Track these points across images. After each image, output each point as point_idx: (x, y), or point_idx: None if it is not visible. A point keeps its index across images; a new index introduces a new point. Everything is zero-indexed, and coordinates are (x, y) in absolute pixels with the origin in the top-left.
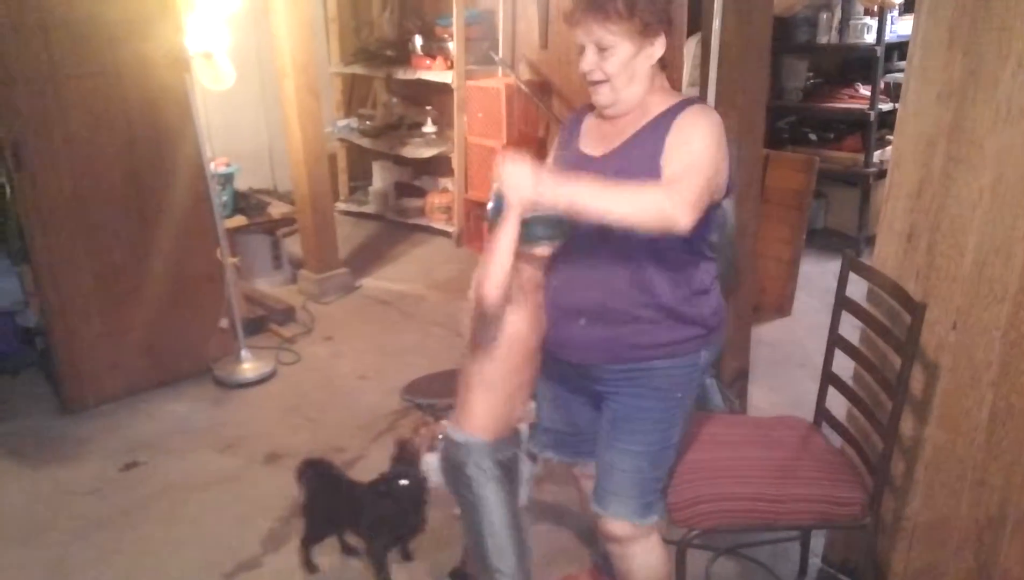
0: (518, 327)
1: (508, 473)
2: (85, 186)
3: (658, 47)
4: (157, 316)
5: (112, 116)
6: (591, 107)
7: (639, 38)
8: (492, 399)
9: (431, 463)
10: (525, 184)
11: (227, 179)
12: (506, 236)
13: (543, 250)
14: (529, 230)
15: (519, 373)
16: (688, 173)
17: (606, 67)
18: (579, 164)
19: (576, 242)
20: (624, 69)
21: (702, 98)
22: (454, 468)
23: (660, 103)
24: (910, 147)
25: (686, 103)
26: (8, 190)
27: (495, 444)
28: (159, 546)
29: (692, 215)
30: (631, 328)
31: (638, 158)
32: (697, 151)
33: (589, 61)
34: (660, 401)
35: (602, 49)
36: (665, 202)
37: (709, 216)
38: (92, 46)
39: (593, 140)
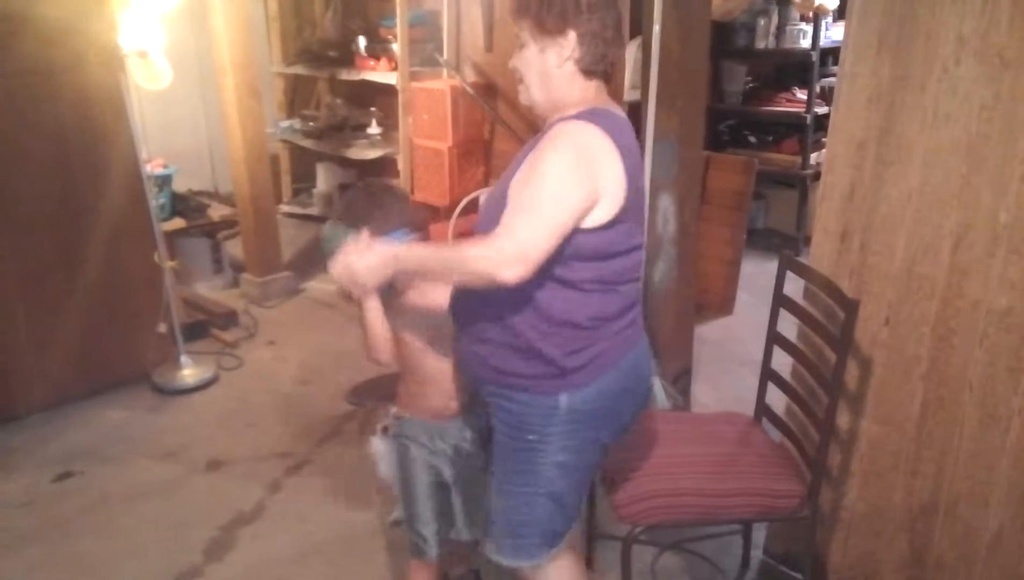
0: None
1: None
2: (12, 187)
3: (567, 48)
4: (91, 321)
5: (42, 115)
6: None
7: (540, 35)
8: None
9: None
10: (371, 272)
11: (164, 181)
12: (373, 314)
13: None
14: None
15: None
16: (517, 218)
17: (517, 63)
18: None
19: None
20: (530, 67)
21: (601, 113)
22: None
23: (568, 113)
24: (842, 150)
25: (568, 118)
26: None
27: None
28: (95, 559)
29: (519, 268)
30: (490, 347)
31: (503, 185)
32: (536, 187)
33: (513, 57)
34: (513, 439)
35: (520, 45)
36: (486, 262)
37: (580, 244)
38: (21, 43)
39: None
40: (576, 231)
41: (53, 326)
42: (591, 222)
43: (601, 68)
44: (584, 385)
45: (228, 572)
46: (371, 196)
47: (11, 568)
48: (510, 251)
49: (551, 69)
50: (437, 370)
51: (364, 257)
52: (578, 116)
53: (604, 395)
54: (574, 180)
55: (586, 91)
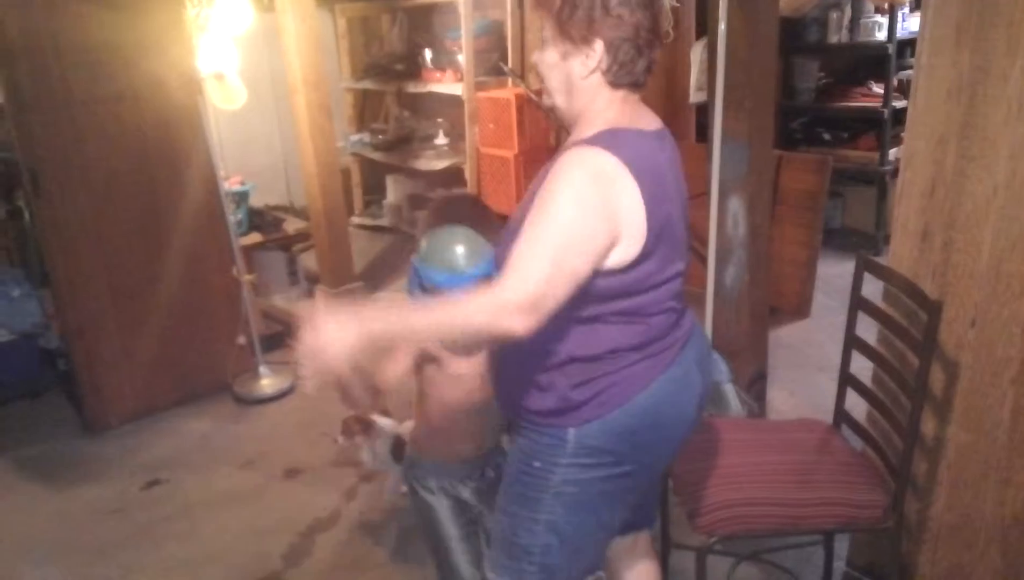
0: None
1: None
2: (102, 208)
3: (594, 58)
4: (176, 335)
5: (127, 139)
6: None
7: (562, 40)
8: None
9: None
10: (336, 351)
11: (241, 197)
12: (352, 389)
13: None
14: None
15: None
16: (525, 262)
17: (538, 63)
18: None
19: None
20: (552, 72)
21: (621, 135)
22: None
23: (579, 133)
24: (921, 145)
25: (581, 143)
26: (27, 215)
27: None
28: (181, 564)
29: (528, 319)
30: (506, 377)
31: (520, 215)
32: (546, 227)
33: (535, 54)
34: (520, 462)
35: (542, 40)
36: (489, 318)
37: (602, 287)
38: (106, 71)
39: None
40: (596, 274)
41: (140, 340)
42: (613, 263)
43: (631, 79)
44: (590, 420)
45: (306, 578)
46: (474, 205)
47: (106, 572)
48: (516, 302)
49: (575, 79)
50: (463, 417)
51: (328, 337)
52: (592, 140)
53: (611, 433)
54: (590, 220)
55: (612, 103)
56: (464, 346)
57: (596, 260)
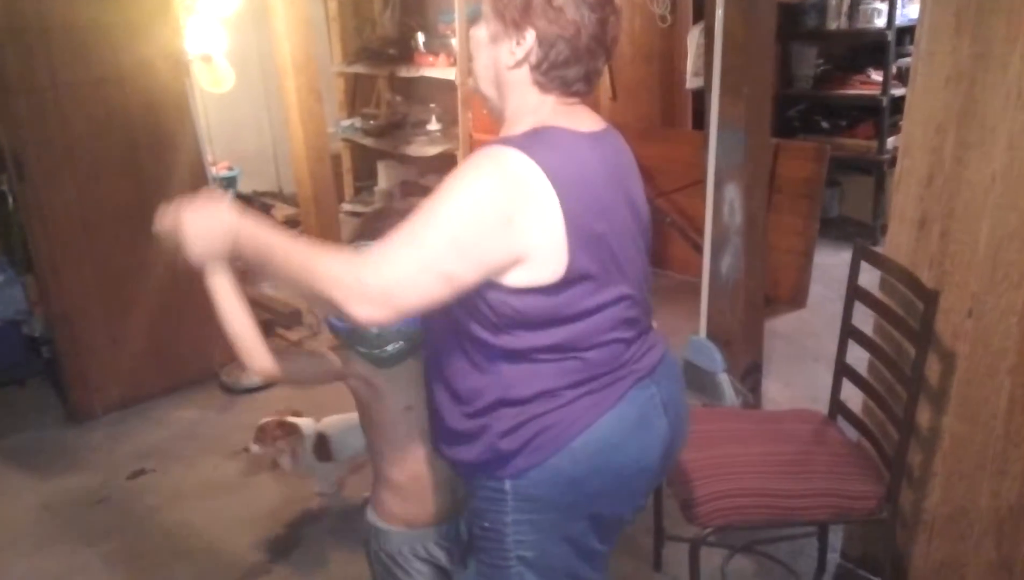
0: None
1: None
2: (87, 193)
3: (523, 48)
4: (162, 322)
5: (113, 122)
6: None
7: (494, 18)
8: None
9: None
10: (204, 237)
11: (229, 182)
12: (222, 296)
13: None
14: (373, 350)
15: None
16: (394, 248)
17: (470, 39)
18: None
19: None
20: (480, 52)
21: (547, 135)
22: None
23: (504, 131)
24: (919, 133)
25: (498, 141)
26: (11, 199)
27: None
28: (167, 554)
29: (377, 311)
30: (439, 426)
31: None
32: (428, 216)
33: (471, 31)
34: (474, 526)
35: (480, 17)
36: (340, 290)
37: (518, 308)
38: (92, 52)
39: None
40: (506, 291)
41: (127, 327)
42: (520, 281)
43: (561, 84)
44: (525, 470)
45: (294, 569)
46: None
47: (91, 562)
48: (372, 286)
49: (501, 67)
50: (428, 467)
51: (202, 215)
52: (510, 140)
53: (550, 483)
54: (481, 225)
55: (543, 105)
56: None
57: (485, 271)
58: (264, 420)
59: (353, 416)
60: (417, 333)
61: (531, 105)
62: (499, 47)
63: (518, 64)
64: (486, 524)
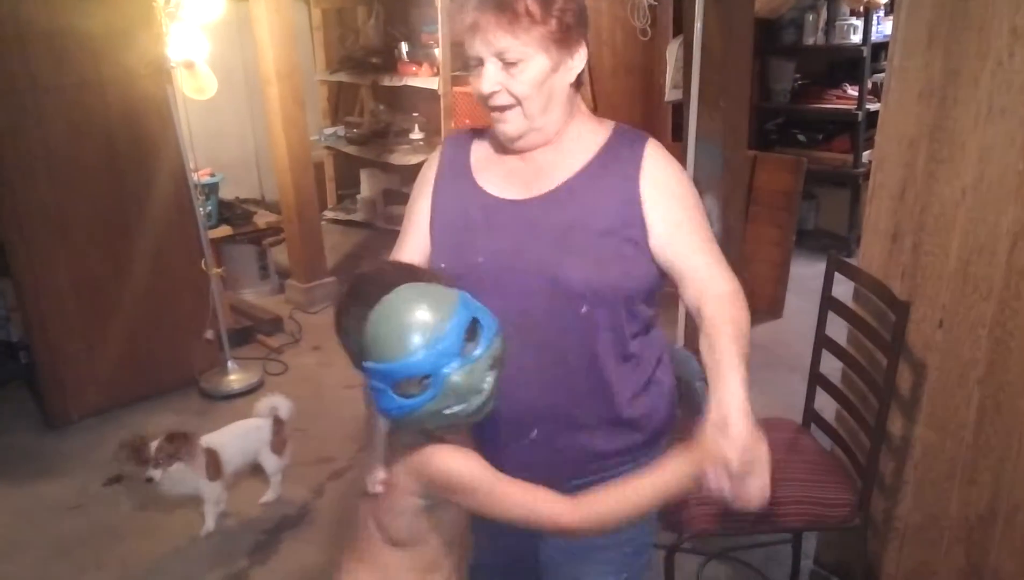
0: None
1: None
2: (66, 198)
3: (579, 60)
4: (141, 328)
5: (93, 127)
6: (475, 133)
7: (556, 48)
8: None
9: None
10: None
11: (211, 189)
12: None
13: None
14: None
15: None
16: (719, 258)
17: (515, 87)
18: (490, 208)
19: (523, 333)
20: (539, 89)
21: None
22: None
23: (591, 131)
24: (892, 147)
25: (634, 134)
26: None
27: None
28: (143, 561)
29: None
30: (593, 434)
31: (594, 205)
32: (702, 217)
33: (491, 79)
34: (626, 558)
35: (509, 64)
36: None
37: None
38: (72, 57)
39: (498, 179)
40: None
41: (105, 333)
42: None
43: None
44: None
45: (272, 576)
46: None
47: (62, 570)
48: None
49: (563, 87)
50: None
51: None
52: (633, 129)
53: None
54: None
55: (580, 103)
56: None
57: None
58: (152, 441)
59: (234, 427)
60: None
61: (571, 105)
62: (558, 73)
63: (572, 76)
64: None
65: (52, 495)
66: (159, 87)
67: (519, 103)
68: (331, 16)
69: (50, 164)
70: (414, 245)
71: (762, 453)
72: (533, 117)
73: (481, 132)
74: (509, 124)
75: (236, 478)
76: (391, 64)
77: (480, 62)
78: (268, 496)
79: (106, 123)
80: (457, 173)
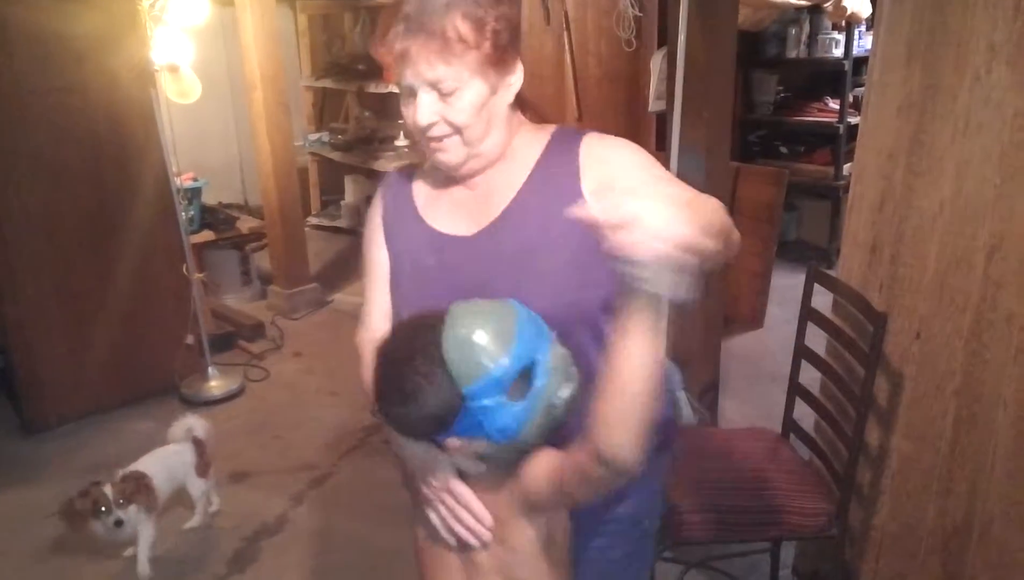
0: None
1: None
2: (49, 201)
3: (517, 77)
4: (122, 333)
5: (77, 131)
6: (414, 166)
7: (493, 70)
8: None
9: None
10: None
11: (194, 193)
12: None
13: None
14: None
15: None
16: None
17: (453, 116)
18: (441, 247)
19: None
20: (478, 114)
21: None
22: None
23: (528, 143)
24: (872, 160)
25: (570, 134)
26: None
27: None
28: (121, 569)
29: None
30: None
31: (543, 222)
32: (662, 173)
33: (427, 111)
34: (629, 536)
35: (444, 93)
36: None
37: None
38: (56, 61)
39: (446, 213)
40: None
41: (85, 337)
42: None
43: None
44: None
45: None
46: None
47: (41, 576)
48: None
49: (497, 112)
50: None
51: None
52: (581, 131)
53: None
54: None
55: (521, 118)
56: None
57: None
58: (104, 486)
59: (156, 454)
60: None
61: (511, 123)
62: (497, 95)
63: (511, 96)
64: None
65: (29, 501)
66: (143, 91)
67: (458, 132)
68: (317, 22)
69: (33, 167)
70: (380, 299)
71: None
72: (473, 143)
73: (419, 163)
74: (449, 153)
75: (163, 509)
76: (376, 70)
77: (412, 92)
78: (194, 522)
79: (90, 127)
80: (403, 213)
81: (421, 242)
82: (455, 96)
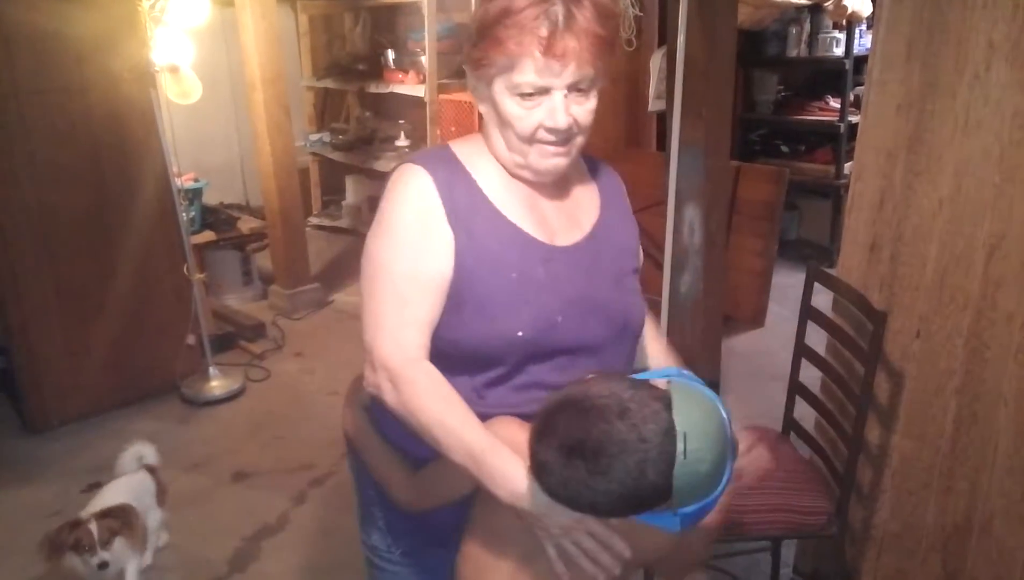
0: None
1: None
2: (48, 202)
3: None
4: (123, 333)
5: (76, 132)
6: (451, 161)
7: (605, 76)
8: None
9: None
10: None
11: (195, 194)
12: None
13: None
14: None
15: None
16: None
17: (583, 117)
18: (549, 257)
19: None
20: (592, 116)
21: None
22: None
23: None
24: (871, 159)
25: (599, 161)
26: None
27: None
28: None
29: None
30: None
31: (624, 241)
32: None
33: (565, 112)
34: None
35: (580, 92)
36: None
37: None
38: (56, 61)
39: (534, 220)
40: None
41: (86, 338)
42: None
43: None
44: None
45: None
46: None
47: (41, 576)
48: None
49: None
50: None
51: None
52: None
53: None
54: None
55: None
56: None
57: None
58: (88, 523)
59: (120, 486)
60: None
61: None
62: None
63: None
64: None
65: (31, 501)
66: (143, 92)
67: (582, 134)
68: (318, 22)
69: (33, 168)
70: (426, 314)
71: None
72: (578, 149)
73: (452, 158)
74: (566, 158)
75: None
76: (377, 71)
77: (543, 91)
78: (148, 559)
79: (90, 127)
80: (483, 217)
81: (519, 250)
82: (588, 97)
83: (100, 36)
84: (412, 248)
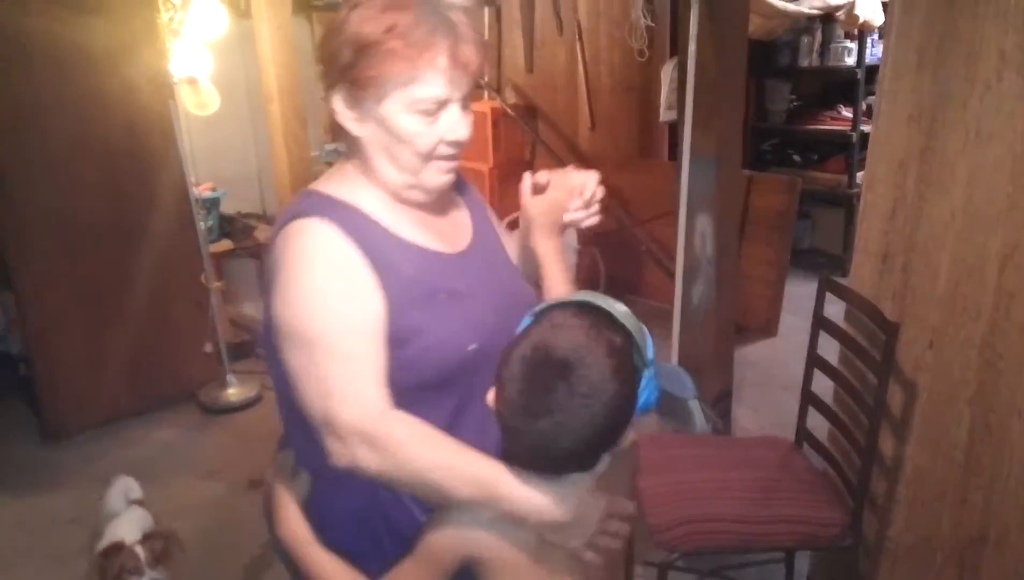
0: None
1: None
2: (67, 212)
3: None
4: (141, 342)
5: (94, 142)
6: (333, 200)
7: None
8: None
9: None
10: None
11: (212, 204)
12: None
13: None
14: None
15: None
16: None
17: (470, 131)
18: (461, 268)
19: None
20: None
21: None
22: None
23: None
24: (883, 169)
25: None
26: None
27: None
28: None
29: None
30: None
31: (496, 250)
32: None
33: (465, 123)
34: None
35: (464, 104)
36: None
37: None
38: (75, 72)
39: (430, 237)
40: None
41: (104, 346)
42: None
43: None
44: None
45: None
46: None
47: None
48: None
49: None
50: None
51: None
52: None
53: None
54: None
55: None
56: None
57: None
58: (135, 546)
59: (130, 519)
60: None
61: None
62: None
63: None
64: None
65: (50, 508)
66: (162, 103)
67: (463, 147)
68: None
69: (52, 178)
70: (376, 362)
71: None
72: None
73: (333, 200)
74: (454, 172)
75: None
76: None
77: (441, 105)
78: None
79: (108, 138)
80: (389, 248)
81: (436, 270)
82: (469, 109)
83: (119, 48)
84: (339, 301)
